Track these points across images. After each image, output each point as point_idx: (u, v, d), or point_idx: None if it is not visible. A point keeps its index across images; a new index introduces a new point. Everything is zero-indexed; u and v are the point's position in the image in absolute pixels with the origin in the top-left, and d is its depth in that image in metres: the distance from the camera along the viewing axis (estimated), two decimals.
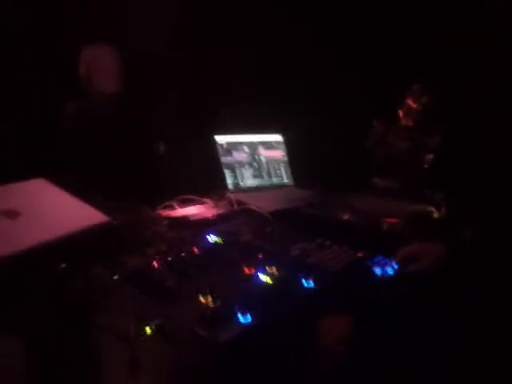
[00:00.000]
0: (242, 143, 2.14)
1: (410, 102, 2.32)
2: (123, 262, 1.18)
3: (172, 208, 1.82)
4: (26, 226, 1.12)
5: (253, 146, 2.18)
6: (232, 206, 1.88)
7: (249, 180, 2.12)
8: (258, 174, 2.16)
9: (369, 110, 2.36)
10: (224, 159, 2.06)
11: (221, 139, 2.08)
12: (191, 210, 1.79)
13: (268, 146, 2.23)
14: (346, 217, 1.76)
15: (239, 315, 1.00)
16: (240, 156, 2.12)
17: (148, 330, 0.93)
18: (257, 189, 2.12)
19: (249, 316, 1.00)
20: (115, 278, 1.12)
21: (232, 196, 1.93)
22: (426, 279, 1.32)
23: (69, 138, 2.07)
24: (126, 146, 2.13)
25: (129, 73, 2.09)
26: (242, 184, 2.08)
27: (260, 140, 2.21)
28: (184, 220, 1.66)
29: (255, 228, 1.59)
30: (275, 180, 2.22)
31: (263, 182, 2.17)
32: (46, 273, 1.03)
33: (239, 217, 1.77)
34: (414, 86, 2.31)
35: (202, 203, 1.89)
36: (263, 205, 1.85)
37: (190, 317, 0.98)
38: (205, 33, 2.41)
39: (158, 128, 2.25)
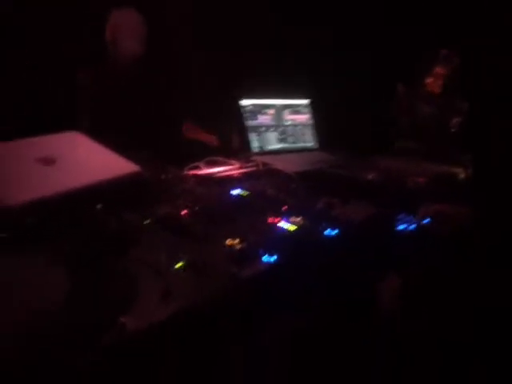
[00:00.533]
0: (267, 106, 2.15)
1: (437, 67, 2.29)
2: (153, 210, 1.23)
3: (199, 169, 1.86)
4: (62, 172, 1.17)
5: (278, 109, 2.19)
6: (257, 166, 1.91)
7: (273, 143, 2.14)
8: (283, 138, 2.18)
9: (393, 76, 2.34)
10: (249, 122, 2.08)
11: (246, 102, 2.09)
12: (217, 170, 1.83)
13: (294, 109, 2.24)
14: (370, 176, 1.77)
15: (263, 255, 1.04)
16: (265, 119, 2.14)
17: (179, 264, 0.98)
18: (281, 152, 2.14)
19: (272, 256, 1.04)
20: (146, 222, 1.17)
21: (257, 158, 1.96)
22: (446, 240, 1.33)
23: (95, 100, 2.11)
24: (150, 107, 2.16)
25: (154, 35, 2.11)
26: (266, 147, 2.11)
27: (286, 103, 2.21)
28: (210, 177, 1.70)
29: (280, 185, 1.62)
30: (300, 144, 2.23)
31: (288, 145, 2.18)
32: (84, 213, 1.09)
33: (264, 176, 1.80)
34: (441, 51, 2.27)
35: (228, 164, 1.93)
36: (288, 166, 1.87)
37: (217, 255, 1.02)
38: None
39: (184, 92, 2.27)
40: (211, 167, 1.87)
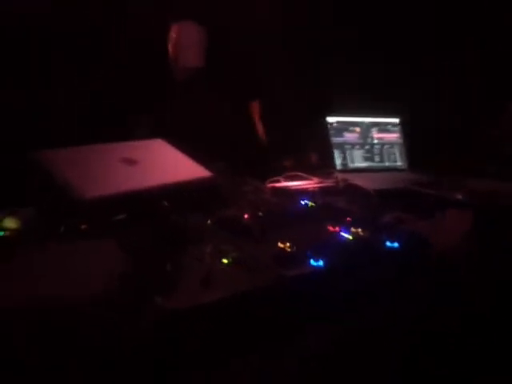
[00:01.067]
0: (353, 123, 2.13)
1: None
2: (219, 213, 1.30)
3: (278, 182, 1.90)
4: (139, 172, 1.30)
5: (366, 126, 2.16)
6: (336, 182, 1.89)
7: (358, 161, 2.10)
8: (369, 156, 2.13)
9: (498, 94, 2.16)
10: (334, 139, 2.08)
11: (332, 119, 2.10)
12: (295, 184, 1.85)
13: (383, 127, 2.19)
14: (458, 196, 1.64)
15: (311, 259, 1.03)
16: (351, 136, 2.12)
17: (226, 260, 1.02)
18: (366, 170, 2.09)
19: (320, 261, 1.03)
20: (208, 222, 1.24)
21: (339, 175, 1.95)
22: None
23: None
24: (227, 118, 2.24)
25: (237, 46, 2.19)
26: (350, 165, 2.08)
27: (374, 121, 2.17)
28: (285, 190, 1.73)
29: (353, 199, 1.59)
30: (388, 163, 2.16)
31: (374, 164, 2.13)
32: (152, 210, 1.19)
33: (341, 192, 1.78)
34: None
35: (307, 179, 1.94)
36: (369, 184, 1.82)
37: (267, 256, 1.04)
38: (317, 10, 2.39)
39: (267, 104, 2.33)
40: (290, 181, 1.90)
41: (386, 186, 1.81)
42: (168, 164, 1.41)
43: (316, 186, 1.82)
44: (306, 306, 0.95)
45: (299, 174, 1.97)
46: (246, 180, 1.78)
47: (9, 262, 0.94)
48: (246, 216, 1.29)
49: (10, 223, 1.19)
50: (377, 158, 2.15)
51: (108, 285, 0.88)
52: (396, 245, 1.14)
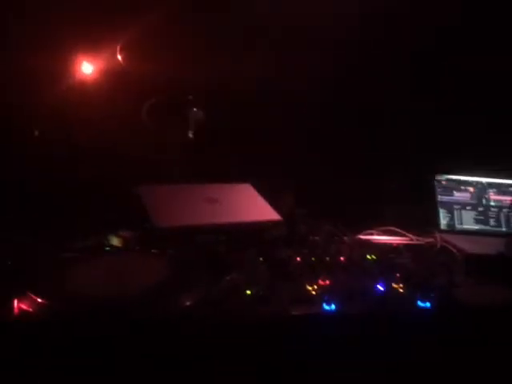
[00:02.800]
0: (466, 183, 2.01)
1: None
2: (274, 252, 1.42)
3: (370, 235, 1.90)
4: (215, 210, 1.52)
5: (481, 187, 2.01)
6: (434, 242, 1.80)
7: (468, 223, 1.96)
8: (482, 219, 1.96)
9: None
10: (441, 198, 1.99)
11: (441, 177, 2.02)
12: (385, 239, 1.83)
13: (501, 189, 2.00)
14: None
15: (324, 304, 1.08)
16: (462, 196, 2.00)
17: (249, 291, 1.14)
18: (478, 233, 1.93)
19: (332, 305, 1.07)
20: (260, 259, 1.37)
21: (438, 236, 1.85)
22: None
23: None
24: None
25: None
26: (458, 226, 1.95)
27: (491, 181, 2.00)
28: (367, 242, 1.74)
29: (431, 261, 1.52)
30: (506, 228, 1.95)
31: (487, 227, 1.95)
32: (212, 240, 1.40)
33: (432, 253, 1.70)
34: None
35: (402, 236, 1.89)
36: (472, 247, 1.70)
37: (289, 294, 1.13)
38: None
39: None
40: (383, 235, 1.88)
41: (485, 251, 1.66)
42: (243, 205, 1.59)
43: (404, 243, 1.77)
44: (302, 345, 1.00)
45: (395, 229, 1.93)
46: (335, 228, 1.83)
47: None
48: (297, 258, 1.38)
49: (115, 241, 1.52)
50: (492, 222, 1.96)
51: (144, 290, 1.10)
52: (427, 305, 1.09)
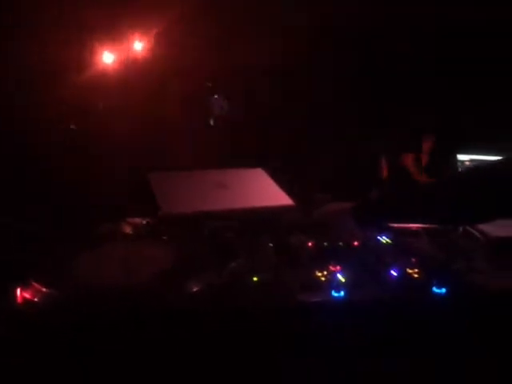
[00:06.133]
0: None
1: None
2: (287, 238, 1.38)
3: None
4: (223, 196, 1.49)
5: None
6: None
7: None
8: None
9: None
10: None
11: (464, 157, 1.94)
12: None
13: None
14: None
15: (333, 291, 1.04)
16: None
17: (256, 278, 1.11)
18: None
19: (341, 292, 1.03)
20: (270, 245, 1.34)
21: None
22: None
23: None
24: None
25: None
26: None
27: None
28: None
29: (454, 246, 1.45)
30: None
31: None
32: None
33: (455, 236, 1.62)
34: None
35: None
36: (491, 230, 1.62)
37: (298, 280, 1.10)
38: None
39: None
40: None
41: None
42: (254, 190, 1.56)
43: (426, 226, 1.70)
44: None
45: None
46: None
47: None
48: (309, 244, 1.34)
49: (125, 228, 1.51)
50: None
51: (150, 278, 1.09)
52: (443, 291, 1.04)
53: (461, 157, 1.93)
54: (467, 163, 1.92)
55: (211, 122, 2.76)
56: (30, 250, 1.15)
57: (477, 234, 1.60)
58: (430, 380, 1.00)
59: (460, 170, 1.92)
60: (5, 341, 0.91)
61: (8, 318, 0.94)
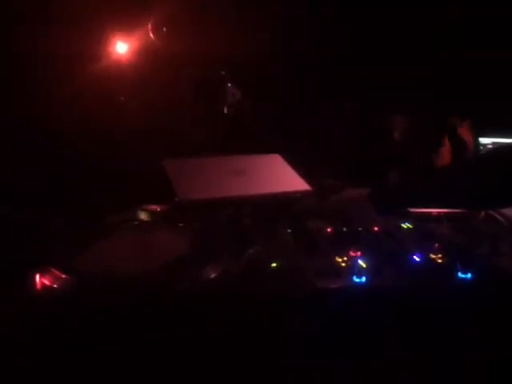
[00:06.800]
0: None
1: None
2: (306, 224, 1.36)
3: None
4: (239, 182, 1.47)
5: None
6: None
7: None
8: None
9: None
10: None
11: (486, 140, 1.88)
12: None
13: None
14: None
15: (355, 276, 1.02)
16: None
17: (274, 264, 1.10)
18: None
19: (363, 278, 1.00)
20: (288, 231, 1.32)
21: None
22: None
23: None
24: None
25: None
26: None
27: None
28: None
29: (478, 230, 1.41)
30: None
31: None
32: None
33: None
34: None
35: None
36: None
37: (313, 265, 1.08)
38: None
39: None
40: None
41: None
42: (271, 176, 1.53)
43: (448, 211, 1.66)
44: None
45: None
46: None
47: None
48: (328, 229, 1.32)
49: (143, 215, 1.50)
50: None
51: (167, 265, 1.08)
52: (469, 275, 1.01)
53: (483, 140, 1.88)
54: (489, 146, 1.87)
55: (225, 110, 2.72)
56: (30, 241, 1.14)
57: (500, 218, 1.56)
58: (457, 365, 0.98)
59: (482, 153, 1.86)
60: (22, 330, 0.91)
61: (26, 305, 0.94)
